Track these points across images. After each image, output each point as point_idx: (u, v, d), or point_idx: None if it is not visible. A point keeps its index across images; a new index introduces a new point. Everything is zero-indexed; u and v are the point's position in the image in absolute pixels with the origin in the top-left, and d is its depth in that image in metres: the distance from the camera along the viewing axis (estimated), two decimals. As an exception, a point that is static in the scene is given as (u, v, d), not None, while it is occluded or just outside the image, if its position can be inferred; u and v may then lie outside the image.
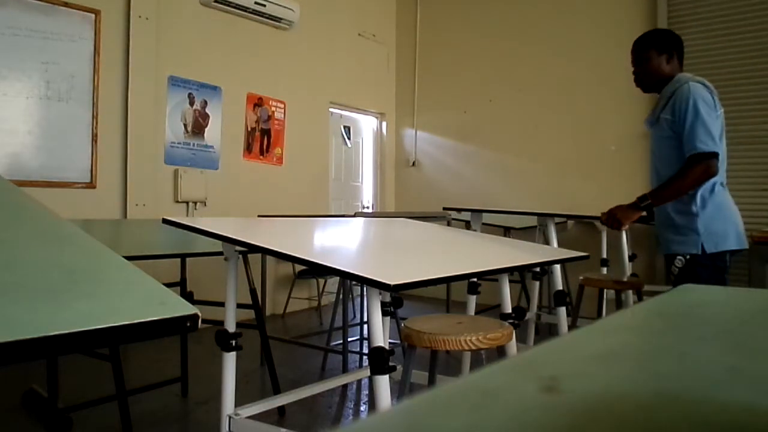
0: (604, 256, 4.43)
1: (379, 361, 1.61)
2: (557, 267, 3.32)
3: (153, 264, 2.55)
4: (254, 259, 3.23)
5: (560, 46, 5.58)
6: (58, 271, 0.91)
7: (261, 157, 5.36)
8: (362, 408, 3.07)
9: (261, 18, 5.20)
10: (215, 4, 4.85)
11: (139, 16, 4.34)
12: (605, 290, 3.69)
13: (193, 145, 4.82)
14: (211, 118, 4.94)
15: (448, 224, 4.20)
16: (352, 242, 2.51)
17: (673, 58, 2.44)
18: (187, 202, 4.73)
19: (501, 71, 6.00)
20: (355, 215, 4.16)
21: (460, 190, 6.22)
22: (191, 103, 4.80)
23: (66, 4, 3.97)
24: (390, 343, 2.86)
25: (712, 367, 0.43)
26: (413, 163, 6.69)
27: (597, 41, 5.37)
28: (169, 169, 4.64)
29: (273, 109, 5.45)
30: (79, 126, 4.05)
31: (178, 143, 4.72)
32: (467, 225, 4.66)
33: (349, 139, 6.55)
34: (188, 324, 0.78)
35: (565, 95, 5.56)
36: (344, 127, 6.51)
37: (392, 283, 1.39)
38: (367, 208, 6.78)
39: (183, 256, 3.23)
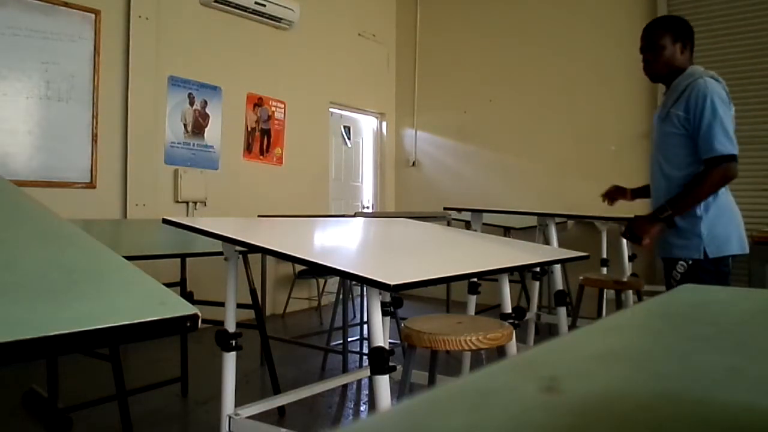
0: (604, 256, 4.43)
1: (379, 361, 1.61)
2: (557, 267, 3.32)
3: (153, 264, 2.55)
4: (254, 259, 3.23)
5: (560, 46, 5.58)
6: (58, 271, 0.91)
7: (261, 157, 5.36)
8: (362, 408, 3.07)
9: (261, 18, 5.20)
10: (215, 4, 4.85)
11: (139, 16, 4.34)
12: (605, 290, 3.69)
13: (193, 145, 4.83)
14: (211, 118, 4.94)
15: (448, 224, 4.20)
16: (352, 242, 2.51)
17: (687, 48, 2.29)
18: (187, 202, 4.73)
19: (501, 71, 6.00)
20: (355, 215, 4.17)
21: (460, 190, 6.22)
22: (191, 103, 4.80)
23: (66, 4, 3.97)
24: (390, 343, 2.86)
25: (713, 367, 0.43)
26: (413, 163, 6.69)
27: (597, 41, 5.38)
28: (169, 169, 4.64)
29: (273, 109, 5.45)
30: (79, 126, 4.05)
31: (178, 143, 4.72)
32: (467, 225, 4.65)
33: (349, 139, 6.55)
34: (188, 324, 0.78)
35: (565, 95, 5.56)
36: (344, 127, 6.51)
37: (392, 283, 1.39)
38: (367, 208, 6.78)
39: (183, 256, 3.23)
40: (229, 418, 2.08)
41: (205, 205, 4.83)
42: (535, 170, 5.75)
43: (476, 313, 2.93)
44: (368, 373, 1.74)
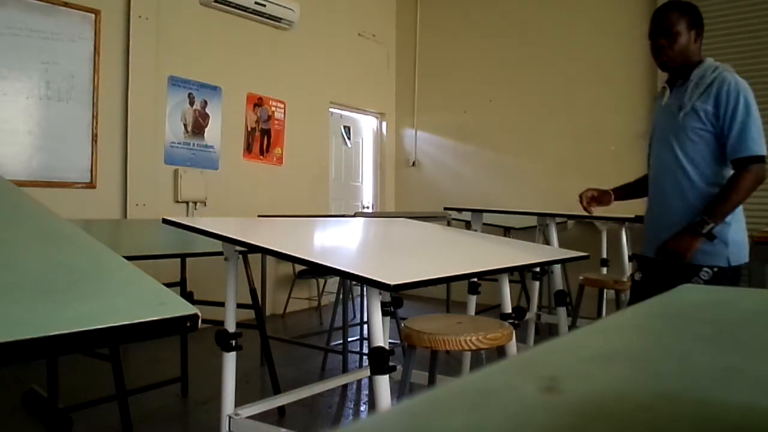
0: (604, 256, 4.43)
1: (379, 361, 1.61)
2: (557, 267, 3.32)
3: (153, 264, 2.55)
4: (254, 259, 3.23)
5: (560, 46, 5.58)
6: (58, 271, 0.91)
7: (261, 157, 5.36)
8: (362, 408, 3.07)
9: (261, 18, 5.20)
10: (215, 4, 4.85)
11: (139, 16, 4.34)
12: (605, 290, 3.69)
13: (193, 145, 4.83)
14: (211, 118, 4.94)
15: (448, 224, 4.20)
16: (352, 242, 2.51)
17: (699, 37, 2.14)
18: (187, 202, 4.73)
19: (501, 71, 6.00)
20: (355, 215, 4.17)
21: (460, 190, 6.22)
22: (191, 103, 4.80)
23: (66, 4, 3.97)
24: (390, 343, 2.86)
25: (712, 367, 0.43)
26: (413, 163, 6.69)
27: (597, 41, 5.37)
28: (169, 169, 4.64)
29: (273, 109, 5.45)
30: (79, 126, 4.05)
31: (178, 143, 4.72)
32: (467, 225, 4.66)
33: (349, 139, 6.55)
34: (188, 324, 0.78)
35: (565, 95, 5.56)
36: (344, 127, 6.51)
37: (392, 283, 1.39)
38: (367, 208, 6.78)
39: (183, 256, 3.23)
40: (229, 418, 2.08)
41: (205, 205, 4.83)
42: (535, 170, 5.75)
43: (476, 313, 2.93)
44: (368, 373, 1.74)
